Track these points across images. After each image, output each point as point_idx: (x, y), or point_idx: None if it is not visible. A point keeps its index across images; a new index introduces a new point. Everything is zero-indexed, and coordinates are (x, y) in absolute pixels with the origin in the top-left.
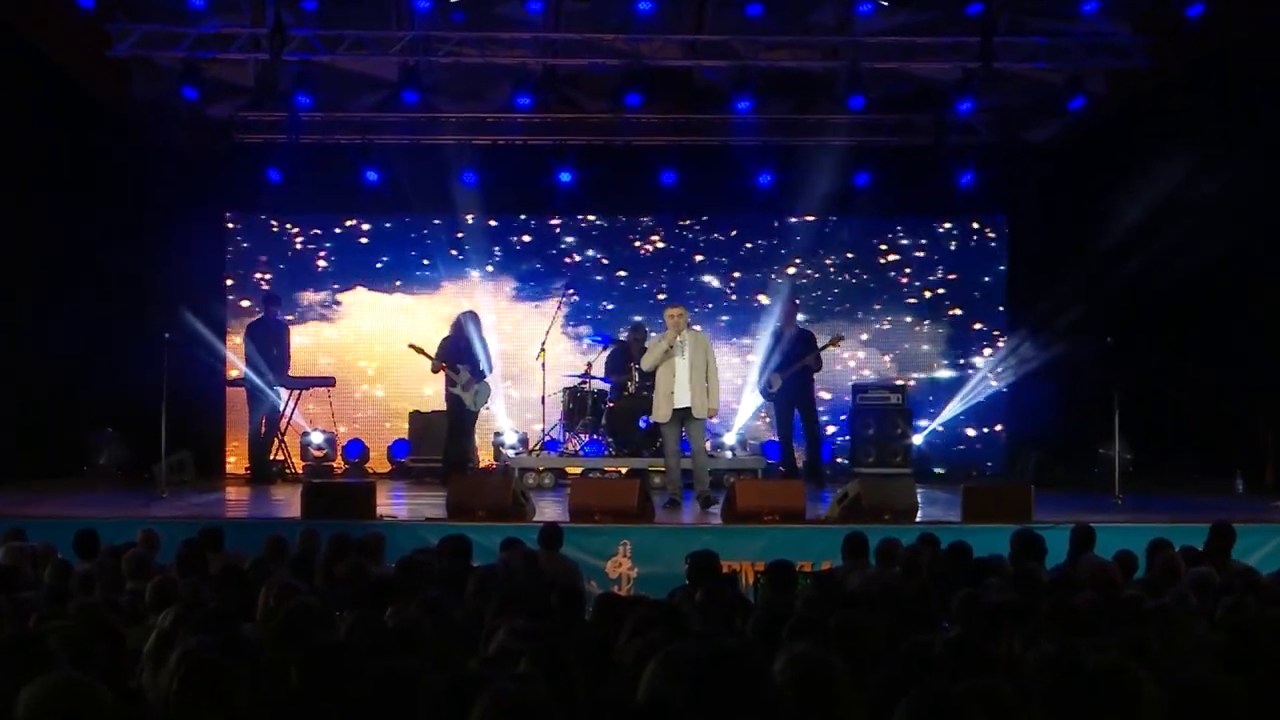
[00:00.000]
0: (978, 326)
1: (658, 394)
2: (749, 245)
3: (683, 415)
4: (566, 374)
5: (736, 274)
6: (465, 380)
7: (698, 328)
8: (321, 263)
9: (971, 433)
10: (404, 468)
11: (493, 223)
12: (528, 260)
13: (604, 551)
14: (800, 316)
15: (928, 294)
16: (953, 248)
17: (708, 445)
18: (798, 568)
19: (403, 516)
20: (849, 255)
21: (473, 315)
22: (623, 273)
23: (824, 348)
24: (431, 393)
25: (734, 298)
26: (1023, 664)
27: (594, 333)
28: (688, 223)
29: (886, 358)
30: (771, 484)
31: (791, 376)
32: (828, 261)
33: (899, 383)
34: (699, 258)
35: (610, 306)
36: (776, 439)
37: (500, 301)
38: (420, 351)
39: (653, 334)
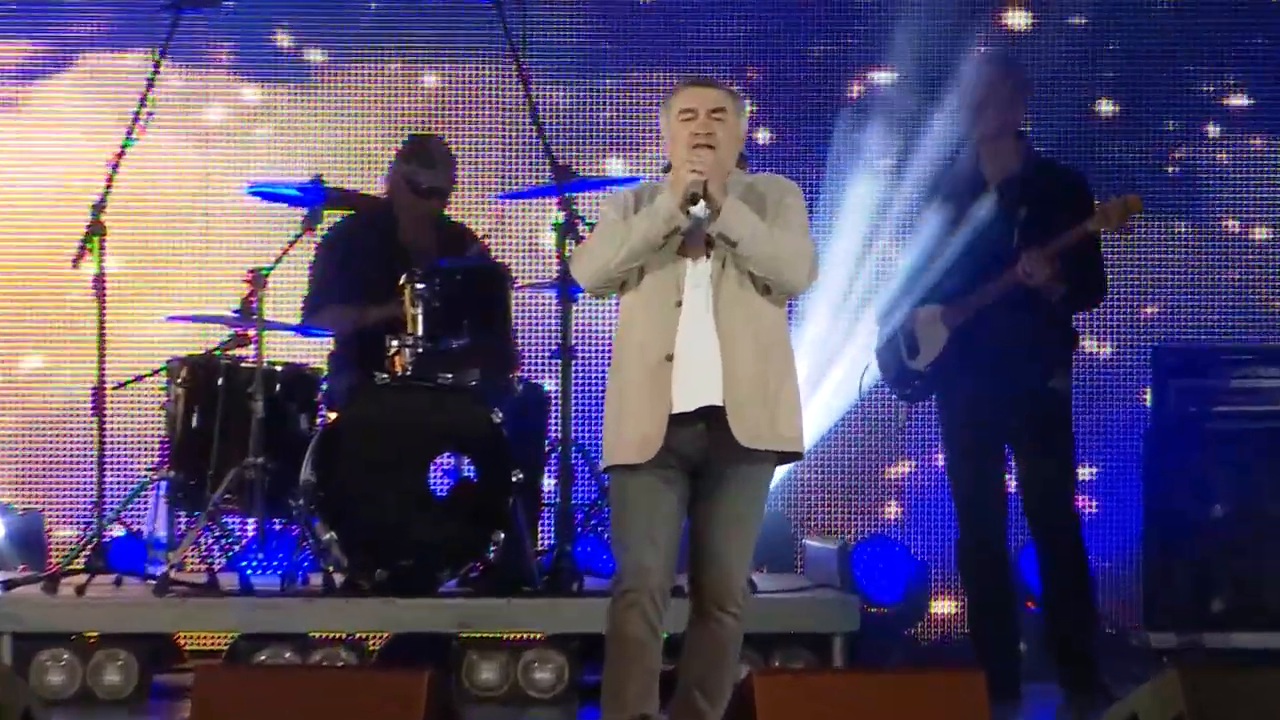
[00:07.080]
0: None
1: (618, 376)
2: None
3: (706, 450)
4: (173, 313)
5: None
6: None
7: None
8: None
9: None
10: None
11: None
12: None
13: None
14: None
15: None
16: None
17: None
18: None
19: None
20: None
21: None
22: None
23: (1092, 230)
24: None
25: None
26: None
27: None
28: None
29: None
30: (875, 680)
31: (1003, 313)
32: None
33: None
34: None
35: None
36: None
37: None
38: None
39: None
